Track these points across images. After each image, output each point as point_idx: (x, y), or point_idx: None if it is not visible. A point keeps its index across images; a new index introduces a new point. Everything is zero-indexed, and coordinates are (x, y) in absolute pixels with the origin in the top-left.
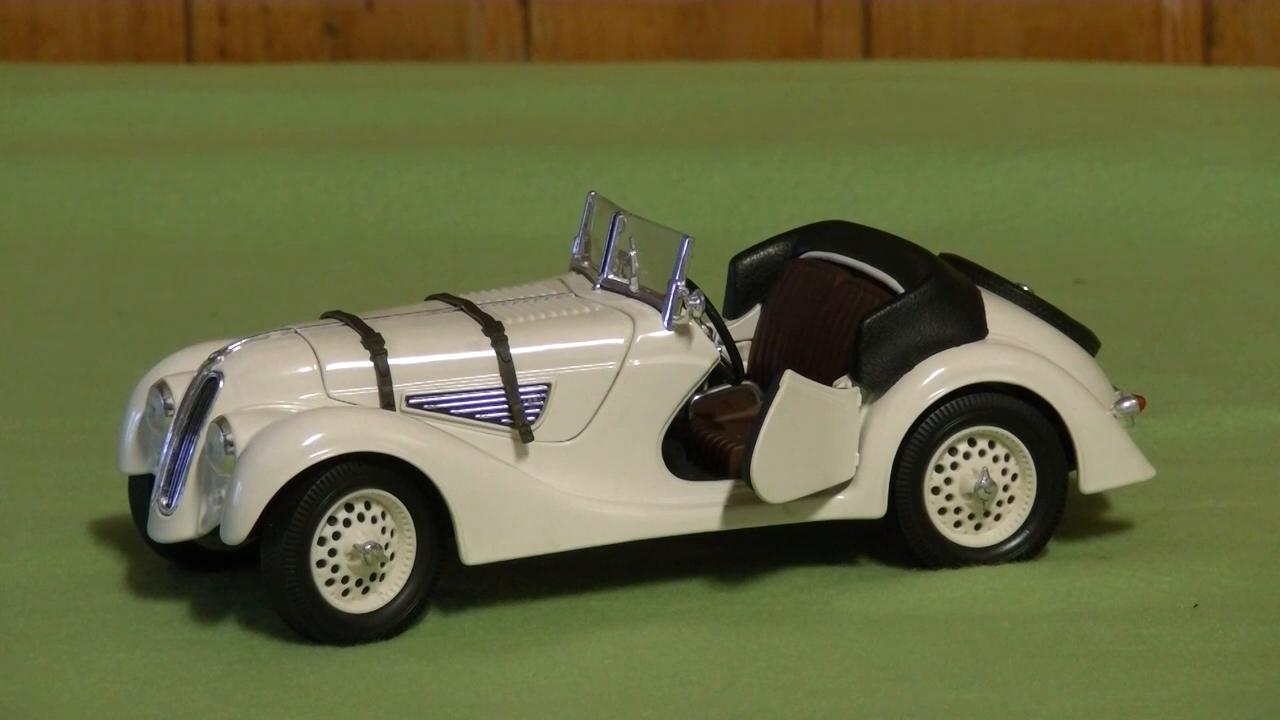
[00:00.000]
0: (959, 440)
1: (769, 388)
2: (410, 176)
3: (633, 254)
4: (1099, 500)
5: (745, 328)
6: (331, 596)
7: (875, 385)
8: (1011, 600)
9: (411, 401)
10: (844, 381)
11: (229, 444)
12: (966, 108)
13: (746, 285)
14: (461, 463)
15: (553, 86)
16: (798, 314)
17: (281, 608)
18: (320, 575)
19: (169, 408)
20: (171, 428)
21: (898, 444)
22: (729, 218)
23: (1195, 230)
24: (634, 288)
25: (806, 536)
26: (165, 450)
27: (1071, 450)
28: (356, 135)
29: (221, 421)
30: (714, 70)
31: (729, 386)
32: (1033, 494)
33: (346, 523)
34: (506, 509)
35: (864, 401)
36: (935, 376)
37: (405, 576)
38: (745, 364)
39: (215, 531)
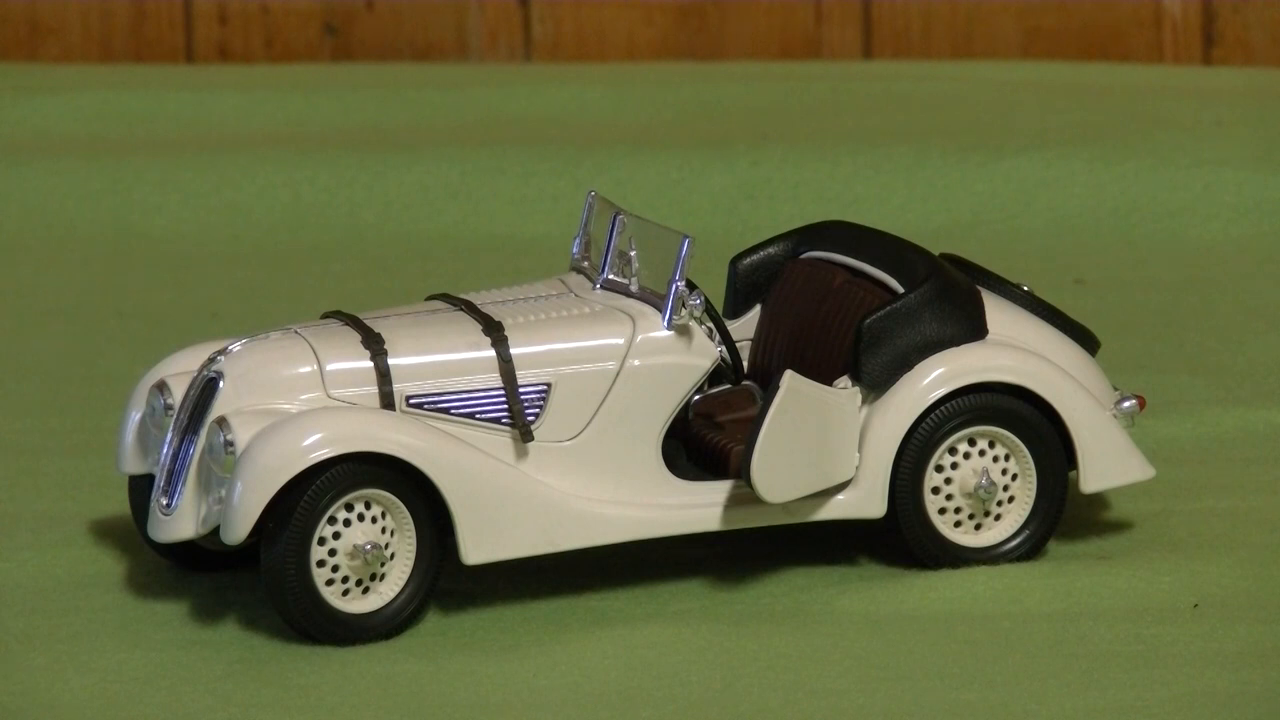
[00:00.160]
0: (959, 440)
1: (769, 388)
2: (410, 176)
3: (633, 254)
4: (1099, 500)
5: (745, 328)
6: (331, 596)
7: (875, 385)
8: (1011, 600)
9: (411, 401)
10: (844, 381)
11: (229, 444)
12: (966, 108)
13: (746, 285)
14: (461, 463)
15: (553, 86)
16: (798, 314)
17: (281, 608)
18: (320, 575)
19: (169, 408)
20: (171, 428)
21: (898, 444)
22: (729, 218)
23: (1195, 230)
24: (634, 288)
25: (806, 536)
26: (165, 450)
27: (1071, 450)
28: (356, 135)
29: (221, 421)
30: (714, 70)
31: (729, 386)
32: (1033, 494)
33: (346, 523)
34: (506, 509)
35: (864, 401)
36: (935, 376)
37: (405, 576)
38: (745, 364)
39: (215, 531)
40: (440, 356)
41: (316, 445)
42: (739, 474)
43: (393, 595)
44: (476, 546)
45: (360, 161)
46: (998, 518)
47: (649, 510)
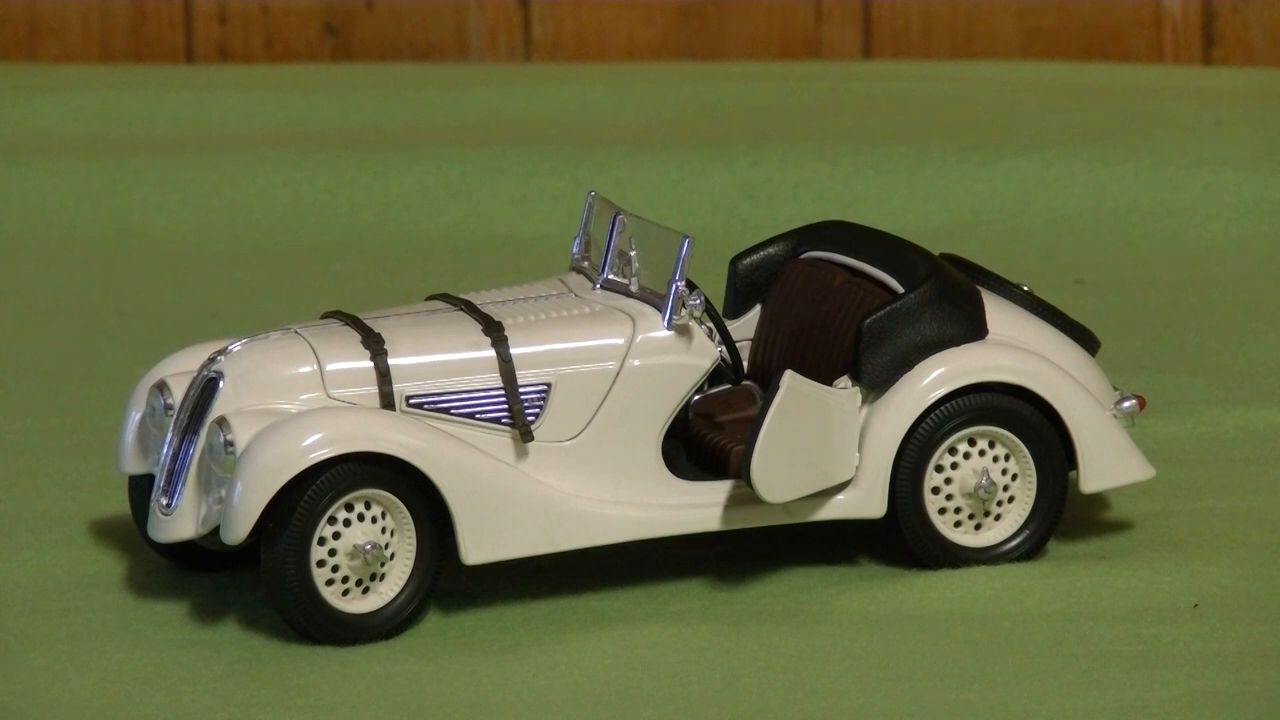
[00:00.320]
0: (959, 440)
1: (769, 388)
2: (410, 176)
3: (633, 254)
4: (1099, 500)
5: (745, 328)
6: (331, 596)
7: (875, 385)
8: (1011, 600)
9: (411, 401)
10: (844, 381)
11: (229, 444)
12: (966, 108)
13: (746, 285)
14: (461, 463)
15: (553, 86)
16: (798, 314)
17: (281, 608)
18: (320, 575)
19: (169, 408)
20: (171, 428)
21: (898, 444)
22: (729, 218)
23: (1195, 230)
24: (634, 288)
25: (806, 536)
26: (165, 450)
27: (1071, 450)
28: (356, 135)
29: (221, 421)
30: (714, 70)
31: (729, 386)
32: (1033, 494)
33: (346, 523)
34: (506, 509)
35: (864, 401)
36: (935, 376)
37: (405, 576)
38: (745, 364)
39: (215, 531)
40: (440, 356)
41: (316, 445)
42: (739, 474)
43: (393, 595)
44: (476, 546)
45: (360, 161)
46: (998, 518)
47: (649, 510)
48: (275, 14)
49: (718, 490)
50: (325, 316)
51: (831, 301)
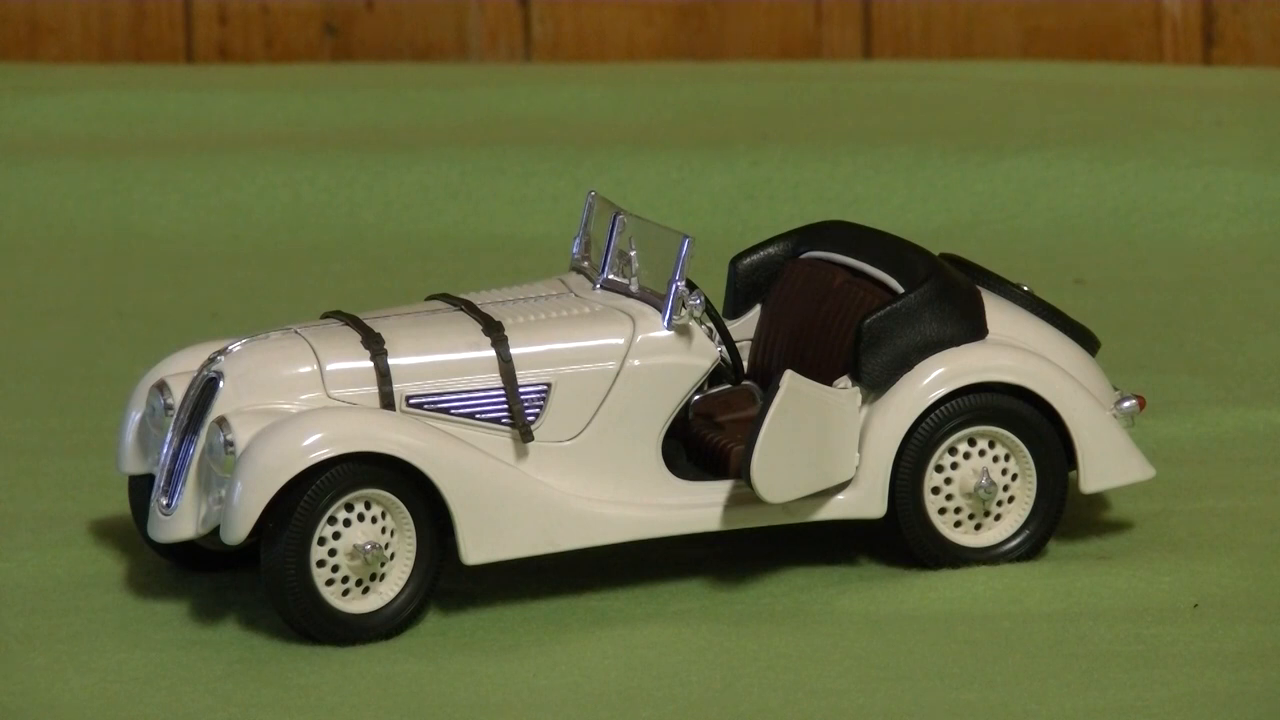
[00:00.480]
0: (959, 440)
1: (769, 388)
2: (410, 176)
3: (633, 254)
4: (1099, 500)
5: (745, 328)
6: (331, 596)
7: (875, 385)
8: (1011, 600)
9: (411, 401)
10: (844, 381)
11: (229, 444)
12: (966, 108)
13: (746, 285)
14: (461, 463)
15: (553, 86)
16: (798, 314)
17: (281, 608)
18: (320, 575)
19: (169, 408)
20: (171, 428)
21: (898, 444)
22: (729, 218)
23: (1195, 230)
24: (634, 288)
25: (806, 536)
26: (165, 450)
27: (1071, 450)
28: (356, 135)
29: (221, 421)
30: (714, 70)
31: (729, 386)
32: (1033, 494)
33: (346, 523)
34: (506, 509)
35: (864, 401)
36: (935, 376)
37: (405, 576)
38: (745, 364)
39: (215, 531)
40: (440, 356)
41: (316, 445)
42: (739, 474)
43: (393, 595)
44: (476, 546)
45: (360, 161)
46: (998, 518)
47: (649, 510)
48: (275, 14)
49: (718, 490)
50: (325, 316)
51: (831, 301)
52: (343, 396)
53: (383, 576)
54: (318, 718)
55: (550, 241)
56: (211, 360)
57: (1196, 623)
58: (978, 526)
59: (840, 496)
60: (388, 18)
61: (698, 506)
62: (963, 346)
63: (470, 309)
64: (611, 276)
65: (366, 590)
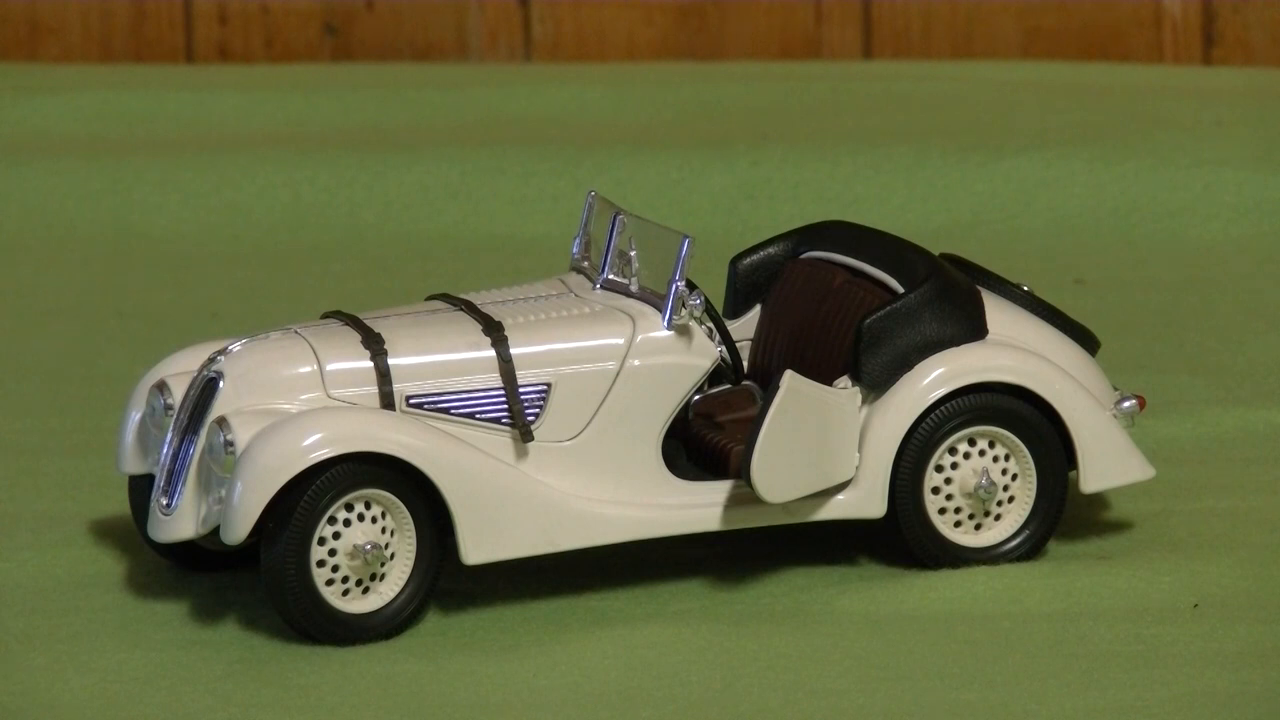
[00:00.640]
0: (959, 440)
1: (769, 388)
2: (410, 176)
3: (633, 254)
4: (1099, 500)
5: (745, 328)
6: (331, 596)
7: (875, 385)
8: (1011, 600)
9: (411, 401)
10: (844, 381)
11: (229, 444)
12: (966, 108)
13: (746, 285)
14: (461, 463)
15: (553, 86)
16: (798, 314)
17: (281, 608)
18: (320, 575)
19: (169, 408)
20: (171, 428)
21: (898, 444)
22: (729, 218)
23: (1195, 230)
24: (634, 288)
25: (806, 536)
26: (165, 450)
27: (1071, 450)
28: (356, 135)
29: (221, 421)
30: (714, 70)
31: (729, 386)
32: (1033, 494)
33: (346, 523)
34: (506, 509)
35: (864, 401)
36: (935, 376)
37: (405, 576)
38: (745, 364)
39: (215, 531)
40: (440, 356)
41: (316, 445)
42: (739, 474)
43: (393, 595)
44: (476, 546)
45: (360, 161)
46: (998, 518)
47: (649, 510)
48: (275, 14)
49: (718, 490)
50: (325, 316)
51: (831, 301)
52: (343, 396)
53: (383, 576)
54: (318, 718)
55: (550, 241)
56: (211, 360)
57: (1196, 623)
58: (978, 526)
59: (840, 496)
60: (388, 18)
61: (698, 506)
62: (963, 346)
63: (470, 309)
64: (611, 276)
65: (366, 590)
